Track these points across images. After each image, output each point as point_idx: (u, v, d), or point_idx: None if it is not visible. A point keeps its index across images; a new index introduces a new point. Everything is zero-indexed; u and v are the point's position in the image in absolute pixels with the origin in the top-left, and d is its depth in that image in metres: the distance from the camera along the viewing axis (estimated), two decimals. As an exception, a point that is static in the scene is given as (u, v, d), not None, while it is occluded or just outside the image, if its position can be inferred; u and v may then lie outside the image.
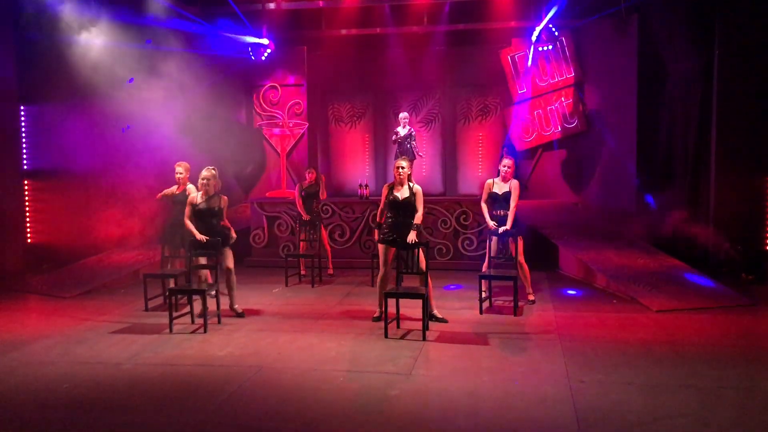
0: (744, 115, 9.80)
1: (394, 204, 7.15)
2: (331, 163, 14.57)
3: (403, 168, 7.15)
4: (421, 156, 12.17)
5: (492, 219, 7.93)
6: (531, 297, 8.13)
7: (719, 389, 5.04)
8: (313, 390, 5.14)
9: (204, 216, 7.36)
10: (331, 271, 10.24)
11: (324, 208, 10.81)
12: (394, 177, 7.24)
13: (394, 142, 11.30)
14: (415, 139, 11.29)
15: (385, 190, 7.27)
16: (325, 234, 10.32)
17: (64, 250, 10.46)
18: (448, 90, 14.07)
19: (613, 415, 4.55)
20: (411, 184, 7.19)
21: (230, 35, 12.45)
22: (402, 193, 7.14)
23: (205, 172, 7.41)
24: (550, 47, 12.17)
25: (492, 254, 7.98)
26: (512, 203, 7.80)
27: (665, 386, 5.10)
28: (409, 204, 7.10)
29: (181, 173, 8.22)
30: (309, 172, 10.28)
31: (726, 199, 9.90)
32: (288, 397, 5.00)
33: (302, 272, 10.01)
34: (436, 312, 7.22)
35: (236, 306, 7.63)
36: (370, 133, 14.48)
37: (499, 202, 7.91)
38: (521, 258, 7.90)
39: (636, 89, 11.15)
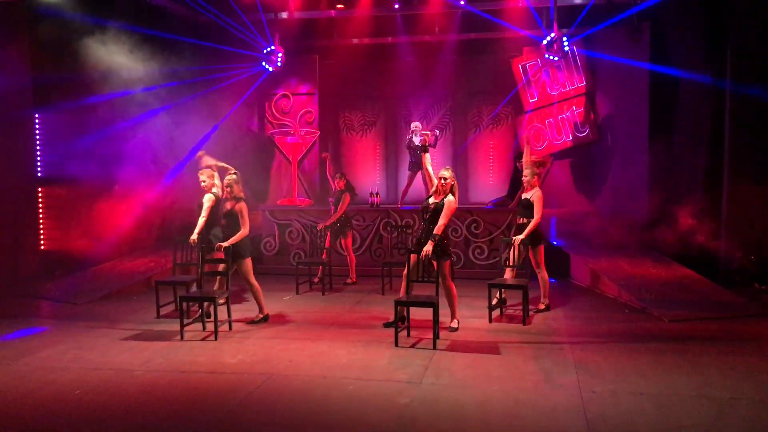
0: (757, 123, 9.73)
1: (424, 209, 7.12)
2: (343, 171, 14.57)
3: (445, 179, 7.00)
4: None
5: (517, 227, 8.13)
6: (541, 305, 8.12)
7: (732, 400, 5.00)
8: (323, 398, 5.14)
9: (229, 219, 7.50)
10: (352, 280, 10.24)
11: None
12: (437, 186, 7.11)
13: (407, 147, 11.42)
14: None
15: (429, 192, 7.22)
16: (350, 242, 10.30)
17: (77, 257, 10.52)
18: (459, 98, 14.07)
19: (625, 426, 4.52)
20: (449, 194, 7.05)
21: (242, 42, 12.51)
22: (437, 200, 7.05)
23: (225, 179, 7.58)
24: (556, 58, 12.13)
25: (503, 262, 8.00)
26: (535, 215, 7.83)
27: (677, 396, 5.06)
28: (435, 212, 6.99)
29: (204, 181, 8.23)
30: (337, 180, 10.25)
31: (739, 208, 9.81)
32: (298, 405, 5.00)
33: (315, 280, 9.99)
34: (453, 323, 7.23)
35: (259, 314, 7.69)
36: (382, 142, 14.49)
37: (522, 210, 8.00)
38: (541, 267, 8.03)
39: (648, 98, 11.11)
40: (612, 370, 5.73)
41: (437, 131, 11.47)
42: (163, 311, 8.06)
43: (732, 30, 9.86)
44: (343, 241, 10.14)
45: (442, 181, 7.03)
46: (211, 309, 7.23)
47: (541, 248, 7.99)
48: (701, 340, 6.73)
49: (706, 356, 6.13)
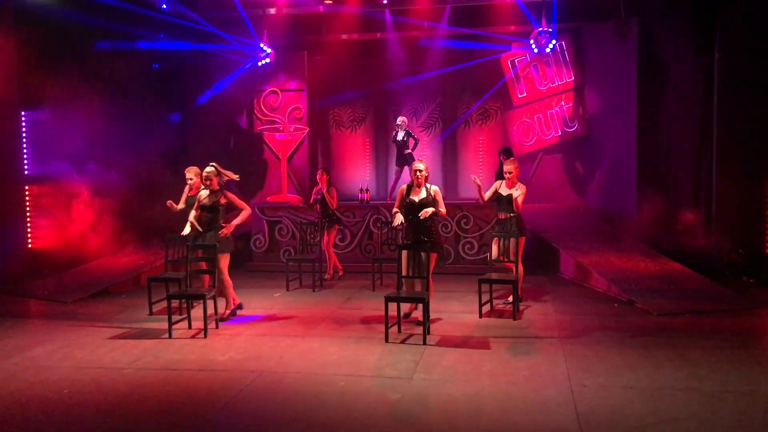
0: (745, 117, 9.79)
1: (411, 207, 7.17)
2: (332, 167, 14.56)
3: (420, 171, 7.19)
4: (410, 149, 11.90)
5: (498, 222, 8.13)
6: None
7: (721, 393, 5.03)
8: (314, 394, 5.13)
9: (208, 212, 7.42)
10: (329, 275, 10.19)
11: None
12: (412, 179, 7.29)
13: (393, 141, 11.63)
14: (409, 144, 11.62)
15: (402, 192, 7.30)
16: (330, 238, 10.19)
17: (64, 255, 10.45)
18: (449, 94, 14.08)
19: (615, 419, 4.54)
20: (428, 186, 7.22)
21: (231, 40, 12.47)
22: (419, 196, 7.17)
23: (204, 171, 7.50)
24: (537, 50, 12.15)
25: (492, 256, 8.01)
26: (519, 200, 7.81)
27: (667, 390, 5.09)
28: (426, 206, 7.07)
29: (191, 179, 8.17)
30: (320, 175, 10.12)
31: (727, 202, 9.87)
32: (289, 402, 4.99)
33: (327, 276, 10.08)
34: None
35: (224, 311, 7.56)
36: (371, 138, 14.49)
37: (503, 204, 8.00)
38: (519, 260, 7.95)
39: (636, 92, 11.16)
40: (602, 364, 5.75)
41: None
42: (155, 309, 8.01)
43: (719, 24, 9.91)
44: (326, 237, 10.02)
45: (417, 174, 7.18)
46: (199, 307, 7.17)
47: (523, 240, 8.01)
48: (690, 333, 6.76)
49: (695, 350, 6.17)
